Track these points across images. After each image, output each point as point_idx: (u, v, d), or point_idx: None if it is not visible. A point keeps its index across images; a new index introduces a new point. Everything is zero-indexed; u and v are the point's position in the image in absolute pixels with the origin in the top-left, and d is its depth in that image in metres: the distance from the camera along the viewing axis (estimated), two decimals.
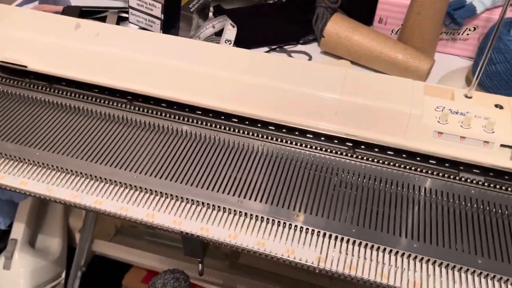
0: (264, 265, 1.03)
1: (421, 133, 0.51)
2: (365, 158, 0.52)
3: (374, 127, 0.52)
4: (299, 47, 0.78)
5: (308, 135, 0.54)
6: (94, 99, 0.58)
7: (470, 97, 0.53)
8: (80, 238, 1.05)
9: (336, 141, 0.53)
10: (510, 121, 0.50)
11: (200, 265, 0.60)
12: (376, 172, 0.51)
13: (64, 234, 1.05)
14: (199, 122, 0.55)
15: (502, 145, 0.49)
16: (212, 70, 0.55)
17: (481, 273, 0.41)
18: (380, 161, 0.52)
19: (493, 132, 0.49)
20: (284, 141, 0.54)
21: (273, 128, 0.55)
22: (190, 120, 0.56)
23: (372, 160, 0.52)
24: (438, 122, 0.50)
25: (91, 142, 0.53)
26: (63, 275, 1.03)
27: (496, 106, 0.51)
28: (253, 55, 0.58)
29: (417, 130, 0.51)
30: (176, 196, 0.47)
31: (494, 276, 0.41)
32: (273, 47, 0.77)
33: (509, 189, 0.49)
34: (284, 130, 0.54)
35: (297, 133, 0.54)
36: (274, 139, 0.54)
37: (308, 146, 0.53)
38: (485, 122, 0.50)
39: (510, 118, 0.50)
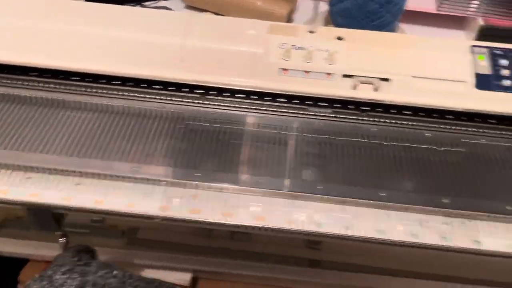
0: (165, 236, 1.01)
1: (267, 71, 0.50)
2: (216, 103, 0.50)
3: (221, 70, 0.50)
4: (161, 3, 0.74)
5: (154, 87, 0.51)
6: None
7: (314, 32, 0.53)
8: None
9: (186, 90, 0.51)
10: (350, 51, 0.50)
11: (63, 239, 0.55)
12: (227, 116, 0.50)
13: None
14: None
15: (344, 75, 0.50)
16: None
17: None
18: (231, 105, 0.50)
19: (334, 63, 0.50)
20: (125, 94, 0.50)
21: (119, 82, 0.51)
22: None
23: (221, 105, 0.50)
24: (283, 59, 0.50)
25: None
26: None
27: (338, 38, 0.52)
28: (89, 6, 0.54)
29: (263, 69, 0.50)
30: None
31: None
32: (132, 4, 0.73)
33: (352, 117, 0.50)
34: (130, 84, 0.51)
35: (144, 85, 0.51)
36: (121, 93, 0.51)
37: (158, 97, 0.50)
38: (326, 55, 0.50)
39: (350, 48, 0.51)
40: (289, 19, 0.71)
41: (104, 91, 0.51)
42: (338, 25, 0.64)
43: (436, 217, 0.42)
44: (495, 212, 0.42)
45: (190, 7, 0.73)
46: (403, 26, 0.72)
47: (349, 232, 0.41)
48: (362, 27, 0.63)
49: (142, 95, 0.51)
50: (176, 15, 0.55)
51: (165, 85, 0.51)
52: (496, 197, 0.43)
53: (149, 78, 0.50)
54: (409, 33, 0.71)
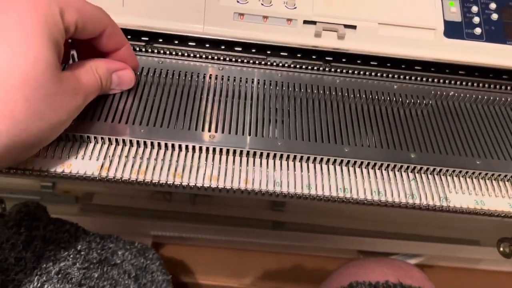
0: (122, 201, 0.96)
1: (221, 17, 0.45)
2: (162, 52, 0.45)
3: (169, 16, 0.45)
4: None
5: None
6: None
7: None
8: None
9: (129, 37, 0.45)
10: None
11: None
12: (176, 66, 0.44)
13: None
14: None
15: (305, 22, 0.45)
16: None
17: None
18: (180, 53, 0.45)
19: (295, 7, 0.45)
20: None
21: None
22: None
23: (171, 54, 0.45)
24: (238, 2, 0.45)
25: None
26: None
27: None
28: None
29: (216, 14, 0.45)
30: None
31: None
32: None
33: (315, 68, 0.46)
34: None
35: None
36: None
37: None
38: None
39: None
40: None
41: None
42: None
43: (403, 174, 0.39)
44: (465, 167, 0.39)
45: None
46: None
47: (311, 192, 0.37)
48: None
49: None
50: None
51: None
52: (466, 151, 0.41)
53: None
54: None
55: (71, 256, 0.48)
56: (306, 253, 1.04)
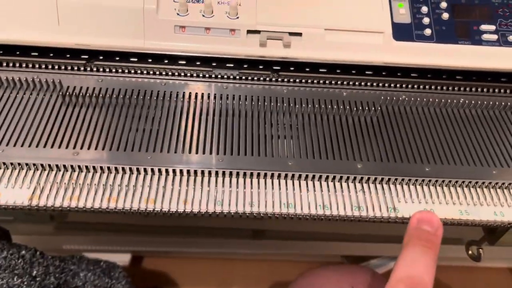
0: (98, 217, 0.95)
1: (161, 30, 0.43)
2: (102, 69, 0.44)
3: (108, 33, 0.43)
4: None
5: (32, 53, 0.44)
6: None
7: None
8: None
9: (68, 56, 0.44)
10: (254, 2, 0.44)
11: None
12: (117, 84, 0.43)
13: None
14: None
15: (249, 31, 0.44)
16: None
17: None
18: (120, 71, 0.44)
19: (238, 17, 0.44)
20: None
21: None
22: None
23: (110, 71, 0.44)
24: (178, 14, 0.43)
25: None
26: None
27: None
28: None
29: (156, 28, 0.43)
30: None
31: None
32: None
33: (261, 78, 0.45)
34: None
35: (18, 53, 0.44)
36: None
37: (31, 65, 0.43)
38: (228, 8, 0.44)
39: (254, 0, 0.45)
40: None
41: None
42: None
43: (350, 184, 0.38)
44: (414, 175, 0.38)
45: None
46: None
47: (252, 209, 0.36)
48: None
49: (17, 64, 0.43)
50: None
51: (43, 51, 0.44)
52: (415, 158, 0.39)
53: (22, 44, 0.43)
54: None
55: (25, 283, 0.46)
56: (289, 259, 1.03)
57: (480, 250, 0.53)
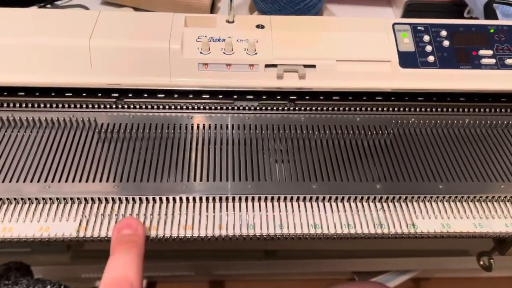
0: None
1: (185, 68, 0.47)
2: (132, 106, 0.47)
3: (137, 72, 0.47)
4: (75, 1, 0.69)
5: (67, 94, 0.47)
6: None
7: (232, 22, 0.50)
8: None
9: (100, 94, 0.47)
10: (270, 39, 0.48)
11: None
12: (147, 119, 0.46)
13: None
14: None
15: (267, 65, 0.47)
16: None
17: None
18: (149, 107, 0.47)
19: (256, 53, 0.47)
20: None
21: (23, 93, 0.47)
22: None
23: (140, 107, 0.47)
24: (201, 53, 0.47)
25: None
26: None
27: (258, 26, 0.49)
28: None
29: (181, 66, 0.47)
30: None
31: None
32: (42, 4, 0.67)
33: (279, 108, 0.48)
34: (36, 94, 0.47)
35: (53, 94, 0.47)
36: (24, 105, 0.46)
37: (66, 105, 0.46)
38: (247, 45, 0.47)
39: (270, 36, 0.48)
40: (213, 9, 0.68)
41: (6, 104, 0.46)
42: (261, 11, 0.62)
43: (371, 204, 0.41)
44: (429, 192, 0.41)
45: (108, 3, 0.69)
46: (330, 7, 0.70)
47: (282, 231, 0.39)
48: (287, 12, 0.61)
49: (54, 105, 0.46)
50: (85, 14, 0.50)
51: (77, 92, 0.47)
52: (428, 176, 0.42)
53: (56, 86, 0.46)
54: (337, 14, 0.69)
55: None
56: (301, 278, 1.05)
57: (491, 260, 0.56)
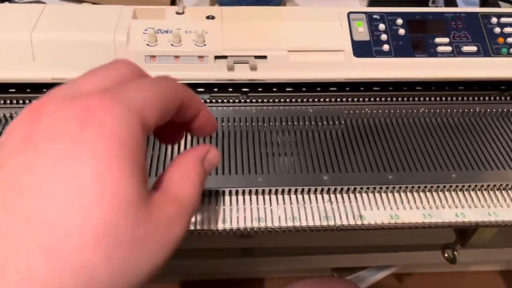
0: None
1: (132, 61, 0.45)
2: None
3: (82, 64, 0.45)
4: None
5: (10, 90, 0.46)
6: None
7: (182, 13, 0.49)
8: None
9: (45, 90, 0.46)
10: (220, 30, 0.47)
11: None
12: None
13: None
14: None
15: (216, 57, 0.46)
16: None
17: None
18: None
19: (205, 45, 0.46)
20: None
21: None
22: None
23: None
24: (148, 45, 0.46)
25: None
26: None
27: (208, 17, 0.48)
28: None
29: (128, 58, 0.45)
30: None
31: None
32: None
33: (231, 100, 0.47)
34: None
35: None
36: None
37: (8, 102, 0.45)
38: (195, 36, 0.46)
39: (220, 27, 0.47)
40: (175, 3, 0.66)
41: None
42: (221, 4, 0.61)
43: (318, 196, 0.40)
44: (378, 183, 0.40)
45: None
46: None
47: (226, 225, 0.38)
48: (247, 4, 0.60)
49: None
50: (30, 7, 0.49)
51: (20, 87, 0.46)
52: (378, 167, 0.41)
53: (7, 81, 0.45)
54: (301, 5, 0.68)
55: None
56: (279, 276, 1.04)
57: (455, 252, 0.55)
